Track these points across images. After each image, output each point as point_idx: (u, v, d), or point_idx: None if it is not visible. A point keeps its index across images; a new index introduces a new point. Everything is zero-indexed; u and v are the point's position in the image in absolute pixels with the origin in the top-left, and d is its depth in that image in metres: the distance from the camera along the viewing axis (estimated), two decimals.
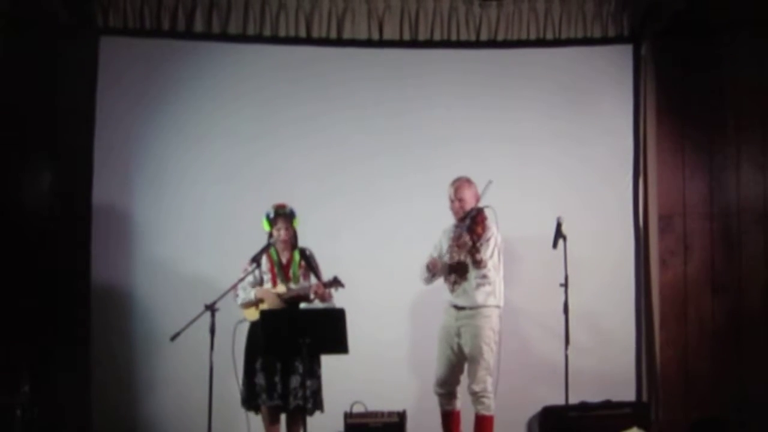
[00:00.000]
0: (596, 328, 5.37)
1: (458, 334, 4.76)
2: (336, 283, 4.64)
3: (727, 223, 5.46)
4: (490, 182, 4.66)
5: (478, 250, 4.59)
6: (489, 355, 4.71)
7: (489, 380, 4.71)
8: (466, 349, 4.73)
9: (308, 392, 4.62)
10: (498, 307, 4.77)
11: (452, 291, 4.76)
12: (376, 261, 5.41)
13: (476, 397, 4.70)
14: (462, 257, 4.72)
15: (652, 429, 5.17)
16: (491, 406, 4.70)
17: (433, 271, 4.77)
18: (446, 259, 4.78)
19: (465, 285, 4.73)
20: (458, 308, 4.75)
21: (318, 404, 4.65)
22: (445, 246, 4.83)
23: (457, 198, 4.78)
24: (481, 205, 4.72)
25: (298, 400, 4.63)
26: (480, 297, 4.71)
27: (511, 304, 5.29)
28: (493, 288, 4.73)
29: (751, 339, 5.31)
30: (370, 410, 4.98)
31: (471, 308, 4.71)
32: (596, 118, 5.63)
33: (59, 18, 5.31)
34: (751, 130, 5.40)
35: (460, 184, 4.81)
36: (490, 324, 4.72)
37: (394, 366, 5.34)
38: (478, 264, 4.63)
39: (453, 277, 4.76)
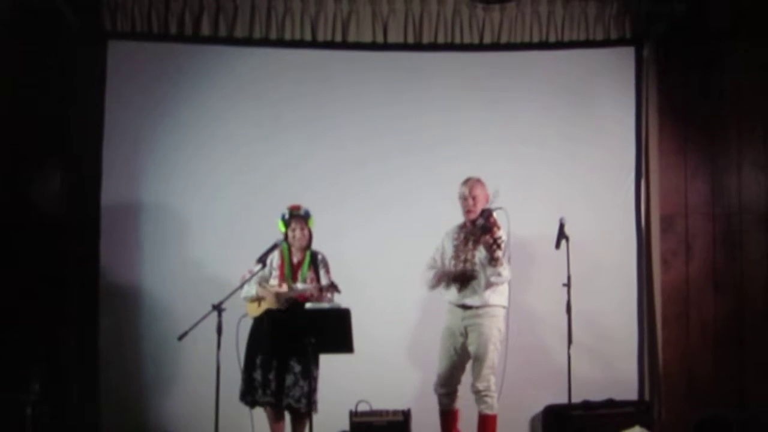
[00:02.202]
0: (599, 327, 5.40)
1: (464, 334, 4.78)
2: (332, 288, 4.69)
3: (728, 223, 5.47)
4: (496, 191, 4.71)
5: (499, 246, 4.57)
6: (494, 354, 4.75)
7: (492, 379, 4.74)
8: (472, 348, 4.76)
9: (302, 392, 4.68)
10: (504, 307, 4.81)
11: (459, 290, 4.79)
12: (382, 261, 5.44)
13: (480, 395, 4.73)
14: (468, 260, 4.75)
15: (655, 427, 5.19)
16: (494, 405, 4.74)
17: (440, 282, 4.81)
18: (451, 264, 4.80)
19: (474, 284, 4.76)
20: (465, 308, 4.77)
21: (311, 405, 4.58)
22: (449, 250, 4.86)
23: (471, 195, 4.80)
24: (493, 207, 4.74)
25: (289, 399, 4.70)
26: (488, 296, 4.74)
27: (515, 304, 5.32)
28: (501, 288, 4.77)
29: (752, 338, 5.32)
30: (375, 409, 5.01)
31: (479, 307, 4.74)
32: (598, 120, 5.66)
33: (68, 22, 5.36)
34: (752, 132, 5.41)
35: (473, 182, 4.84)
36: (497, 324, 4.76)
37: (399, 365, 5.38)
38: (497, 261, 4.63)
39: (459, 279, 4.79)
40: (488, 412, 4.74)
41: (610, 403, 5.24)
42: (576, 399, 4.90)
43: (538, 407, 5.37)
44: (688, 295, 5.51)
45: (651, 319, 5.58)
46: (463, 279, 4.76)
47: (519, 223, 5.19)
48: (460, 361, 4.83)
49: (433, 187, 5.41)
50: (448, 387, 4.85)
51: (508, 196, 5.20)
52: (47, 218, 5.28)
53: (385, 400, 5.03)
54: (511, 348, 4.92)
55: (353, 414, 5.00)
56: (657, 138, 5.62)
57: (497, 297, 4.77)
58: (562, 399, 4.86)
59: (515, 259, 5.12)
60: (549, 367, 5.22)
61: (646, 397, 5.51)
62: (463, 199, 4.83)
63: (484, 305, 4.74)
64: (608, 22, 5.70)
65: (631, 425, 4.91)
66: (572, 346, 4.74)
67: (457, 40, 5.67)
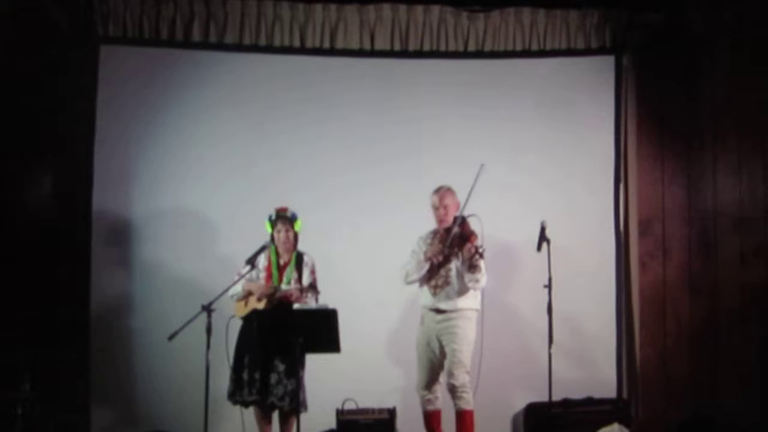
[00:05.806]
0: (578, 327, 5.49)
1: (439, 337, 4.90)
2: (311, 289, 4.79)
3: (704, 227, 5.56)
4: (482, 166, 4.79)
5: (481, 255, 4.67)
6: (469, 354, 4.86)
7: (467, 377, 4.84)
8: (448, 349, 4.86)
9: (285, 391, 4.76)
10: (477, 310, 4.93)
11: (434, 295, 4.90)
12: (369, 263, 5.50)
13: (457, 392, 4.82)
14: (443, 266, 4.86)
15: (632, 425, 5.27)
16: (471, 400, 4.84)
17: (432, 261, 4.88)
18: (427, 267, 4.90)
19: (447, 289, 4.88)
20: (439, 312, 4.89)
21: (296, 404, 4.66)
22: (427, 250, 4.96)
23: (442, 205, 4.92)
24: (466, 213, 4.86)
25: (272, 398, 4.78)
26: (462, 301, 4.87)
27: (497, 305, 5.43)
28: (474, 292, 4.89)
29: (727, 339, 5.40)
30: (361, 407, 5.07)
31: (453, 311, 4.87)
32: (579, 126, 5.75)
33: (60, 26, 5.40)
34: (728, 139, 5.47)
35: (443, 192, 4.95)
36: (471, 325, 4.89)
37: (384, 364, 5.46)
38: (476, 269, 4.74)
39: (435, 282, 4.92)
40: (466, 407, 4.83)
41: (589, 402, 5.33)
42: (556, 397, 4.97)
43: (520, 405, 5.47)
44: (664, 296, 5.60)
45: (629, 320, 5.68)
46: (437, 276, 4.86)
47: (501, 226, 5.30)
48: (439, 362, 4.94)
49: (417, 192, 5.40)
50: (430, 387, 4.97)
51: (490, 199, 5.32)
52: (39, 219, 5.31)
53: (372, 398, 5.11)
54: (494, 348, 5.00)
55: (340, 412, 5.05)
56: (635, 144, 5.72)
57: (470, 301, 4.90)
58: (543, 397, 4.94)
59: (498, 261, 5.23)
60: (530, 366, 5.30)
61: (625, 395, 5.60)
62: (435, 208, 4.95)
63: (458, 309, 4.87)
64: (589, 32, 5.80)
65: (609, 422, 5.01)
66: (553, 346, 4.82)
67: (443, 48, 5.75)
